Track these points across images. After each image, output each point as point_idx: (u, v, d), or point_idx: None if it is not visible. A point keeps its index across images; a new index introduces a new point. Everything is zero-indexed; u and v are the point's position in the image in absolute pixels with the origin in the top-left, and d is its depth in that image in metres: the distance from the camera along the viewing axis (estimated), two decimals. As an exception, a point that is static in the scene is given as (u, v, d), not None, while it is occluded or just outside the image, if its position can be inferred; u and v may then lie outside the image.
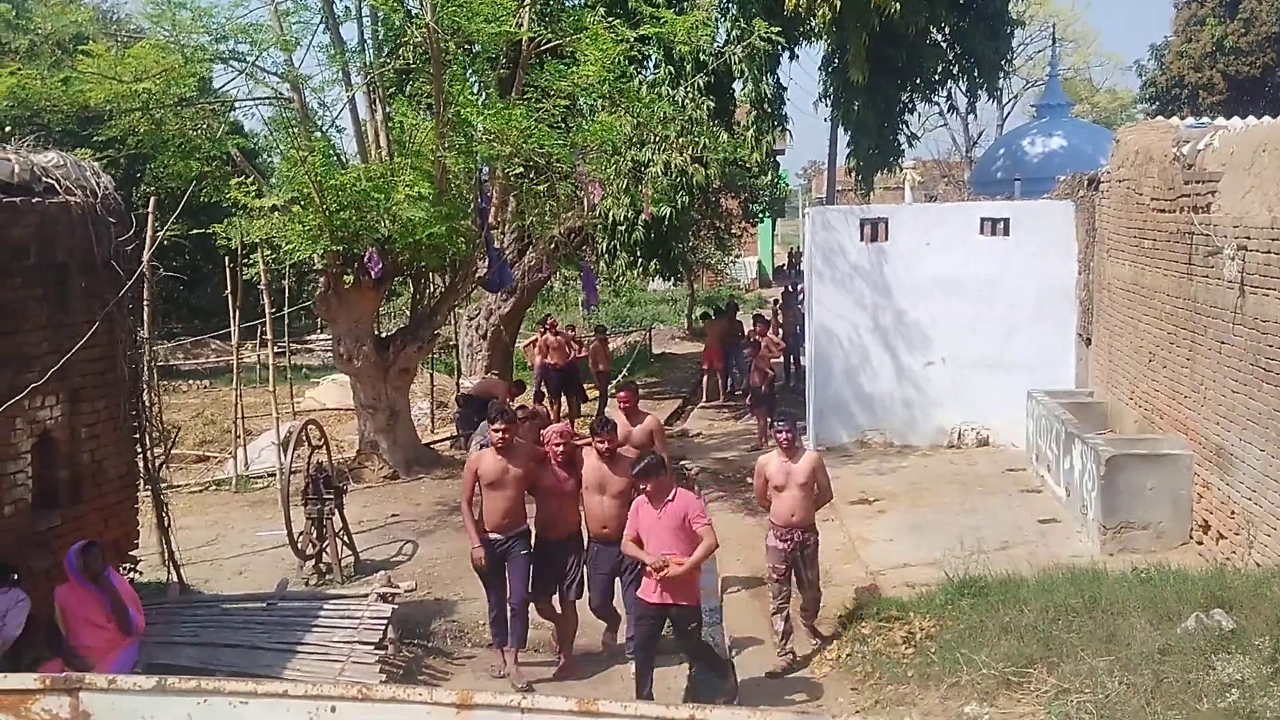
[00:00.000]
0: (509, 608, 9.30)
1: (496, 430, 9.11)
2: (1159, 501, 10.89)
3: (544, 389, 20.61)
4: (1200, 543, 10.66)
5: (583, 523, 9.47)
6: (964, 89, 20.80)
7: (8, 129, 19.74)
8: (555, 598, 9.51)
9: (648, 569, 8.31)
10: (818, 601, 9.68)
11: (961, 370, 15.86)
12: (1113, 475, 10.88)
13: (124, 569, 9.09)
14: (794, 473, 9.28)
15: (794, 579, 9.51)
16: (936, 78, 19.92)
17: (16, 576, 7.46)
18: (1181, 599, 8.62)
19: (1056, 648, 8.20)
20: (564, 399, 20.71)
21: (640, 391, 11.81)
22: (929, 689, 8.32)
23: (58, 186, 8.55)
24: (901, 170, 21.70)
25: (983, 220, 15.89)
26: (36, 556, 8.13)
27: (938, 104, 22.26)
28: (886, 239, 16.05)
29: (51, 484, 8.57)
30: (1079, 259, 15.38)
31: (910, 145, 20.85)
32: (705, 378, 22.96)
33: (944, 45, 19.57)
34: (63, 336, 8.42)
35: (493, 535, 9.16)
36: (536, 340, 21.18)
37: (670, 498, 8.34)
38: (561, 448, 9.20)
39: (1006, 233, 15.74)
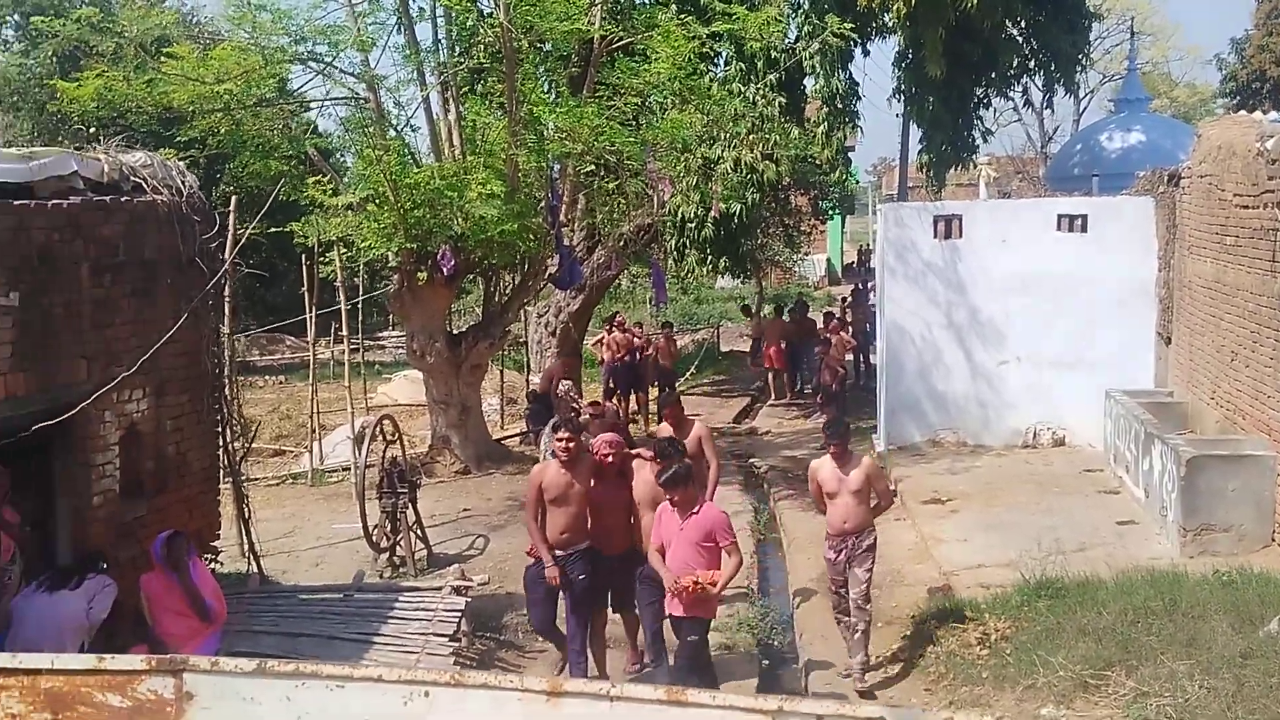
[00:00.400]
0: (570, 651, 8.86)
1: (560, 440, 8.58)
2: (1241, 503, 10.66)
3: (612, 386, 20.69)
4: (1285, 545, 10.44)
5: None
6: (1040, 84, 20.49)
7: (93, 130, 20.31)
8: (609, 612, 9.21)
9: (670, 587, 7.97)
10: (867, 600, 9.07)
11: (1037, 369, 15.65)
12: (1193, 476, 10.68)
13: (206, 559, 9.28)
14: (847, 480, 8.95)
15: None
16: (1012, 72, 19.62)
17: (105, 565, 7.66)
18: (1264, 602, 8.48)
19: (1135, 651, 8.09)
20: (633, 396, 20.78)
21: (681, 401, 11.73)
22: (1004, 691, 8.26)
23: (145, 185, 8.76)
24: (976, 166, 21.44)
25: (1060, 217, 15.65)
26: (123, 545, 8.34)
27: (1013, 99, 21.95)
28: (960, 235, 15.88)
29: (137, 475, 8.76)
30: (1159, 256, 15.10)
31: (985, 141, 20.63)
32: (770, 376, 22.90)
33: (1020, 39, 19.29)
34: (149, 331, 8.62)
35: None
36: (603, 338, 21.28)
37: (695, 510, 8.00)
38: (611, 458, 8.64)
39: (1084, 229, 15.50)
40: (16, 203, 7.43)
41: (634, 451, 9.17)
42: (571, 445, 8.56)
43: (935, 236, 15.92)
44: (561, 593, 8.77)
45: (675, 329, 25.25)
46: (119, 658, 3.67)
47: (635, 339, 21.08)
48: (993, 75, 19.44)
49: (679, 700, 3.10)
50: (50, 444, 7.95)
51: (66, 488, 8.11)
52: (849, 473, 8.96)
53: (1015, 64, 19.40)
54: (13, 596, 7.25)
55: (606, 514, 8.75)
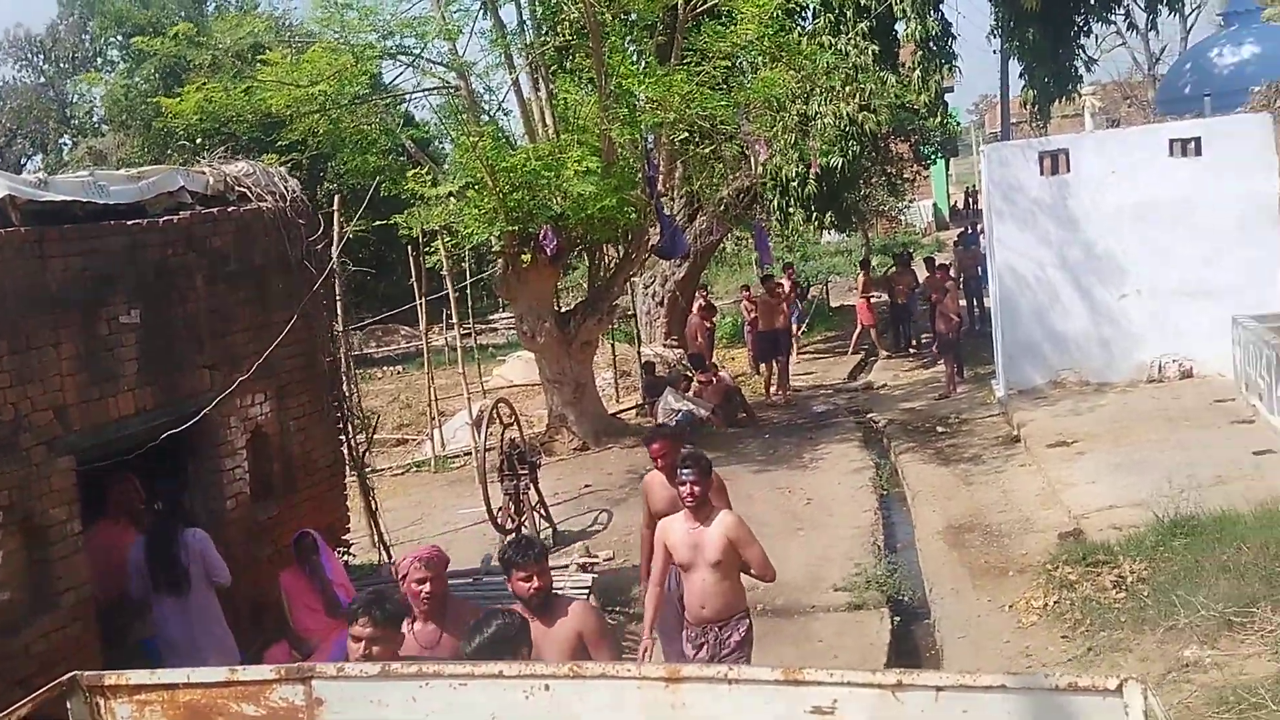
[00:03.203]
0: None
1: (354, 638, 4.95)
2: (1387, 425, 10.21)
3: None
4: None
5: None
6: (1142, 4, 19.75)
7: (199, 142, 20.92)
8: None
9: None
10: None
11: (1159, 300, 15.16)
12: (1333, 400, 10.26)
13: (338, 553, 9.55)
14: (704, 546, 6.57)
15: None
16: (1113, -4, 18.98)
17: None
18: None
19: (1281, 585, 7.84)
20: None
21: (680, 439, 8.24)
22: (1144, 634, 8.06)
23: (250, 194, 9.01)
24: (1080, 97, 20.77)
25: (1171, 141, 15.10)
26: (259, 545, 8.63)
27: (1115, 23, 21.14)
28: (1068, 170, 15.43)
29: (266, 476, 9.06)
30: (1281, 173, 14.48)
31: (1089, 70, 19.97)
32: (874, 333, 22.66)
33: (1119, -40, 18.64)
34: (266, 336, 8.88)
35: None
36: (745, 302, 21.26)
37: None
38: (426, 593, 5.48)
39: (1199, 153, 14.93)
40: (130, 222, 7.70)
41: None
42: (370, 645, 4.87)
43: (1042, 173, 15.50)
44: None
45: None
46: (250, 668, 3.85)
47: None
48: (1092, 1, 18.79)
49: (796, 679, 3.10)
50: (182, 453, 8.25)
51: (200, 494, 8.42)
52: (706, 535, 6.58)
53: (1115, -14, 18.75)
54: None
55: None
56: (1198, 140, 14.96)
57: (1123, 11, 19.97)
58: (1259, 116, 14.80)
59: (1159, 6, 19.38)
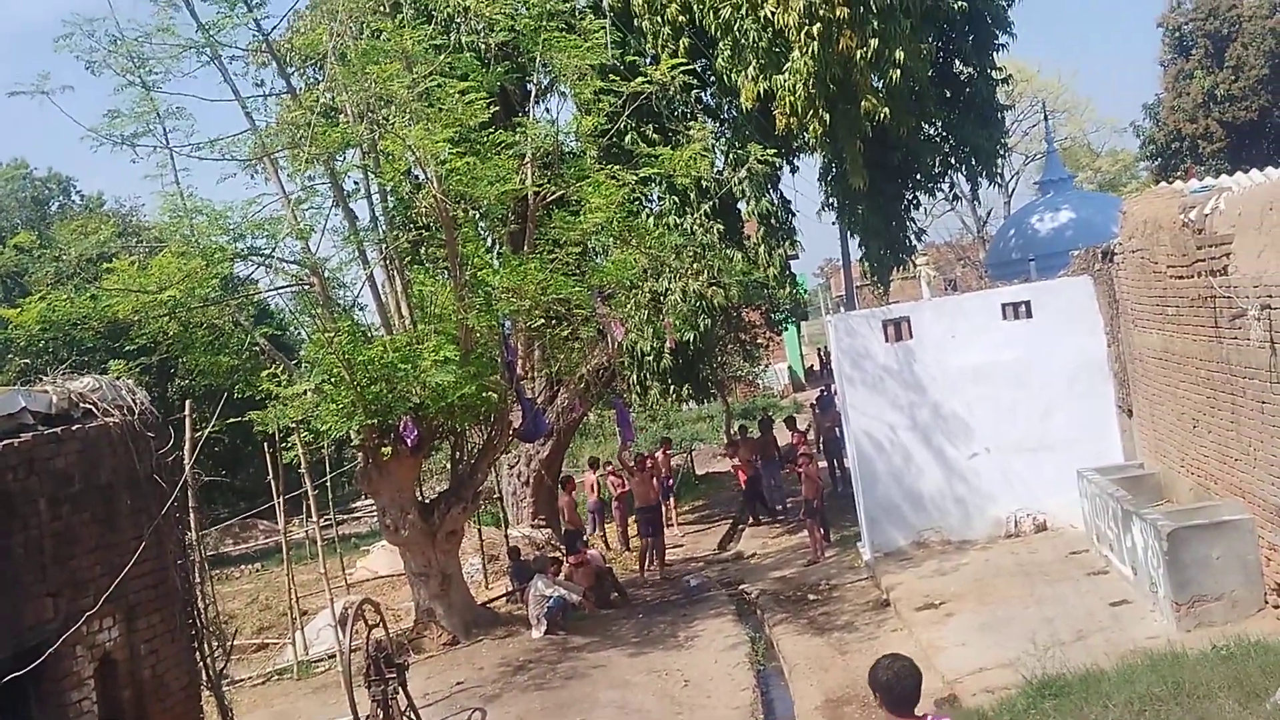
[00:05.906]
0: None
1: None
2: (1228, 570, 10.66)
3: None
4: (1277, 606, 10.41)
5: None
6: (964, 176, 21.05)
7: (41, 344, 20.30)
8: None
9: None
10: None
11: (1007, 457, 15.73)
12: (1176, 549, 10.69)
13: (196, 781, 9.02)
14: None
15: None
16: (936, 170, 20.19)
17: None
18: (1265, 673, 8.45)
19: (1147, 742, 8.01)
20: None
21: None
22: (1023, 801, 8.10)
23: (95, 410, 8.74)
24: (914, 266, 21.83)
25: (1003, 306, 15.95)
26: (108, 782, 8.10)
27: (941, 193, 22.55)
28: (911, 336, 16.09)
29: (116, 704, 8.55)
30: (1106, 331, 15.35)
31: (919, 240, 21.02)
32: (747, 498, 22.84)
33: (938, 139, 19.89)
34: (114, 556, 8.49)
35: None
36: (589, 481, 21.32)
37: None
38: None
39: (1029, 315, 15.77)
40: (-34, 449, 7.39)
41: None
42: None
43: (887, 340, 16.12)
44: None
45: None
46: None
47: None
48: (917, 176, 19.98)
49: None
50: (22, 686, 7.75)
51: (43, 731, 7.90)
52: None
53: (937, 162, 19.97)
54: None
55: None
56: (1027, 304, 15.82)
57: (948, 184, 21.23)
58: (1080, 280, 15.74)
59: (979, 179, 20.65)
